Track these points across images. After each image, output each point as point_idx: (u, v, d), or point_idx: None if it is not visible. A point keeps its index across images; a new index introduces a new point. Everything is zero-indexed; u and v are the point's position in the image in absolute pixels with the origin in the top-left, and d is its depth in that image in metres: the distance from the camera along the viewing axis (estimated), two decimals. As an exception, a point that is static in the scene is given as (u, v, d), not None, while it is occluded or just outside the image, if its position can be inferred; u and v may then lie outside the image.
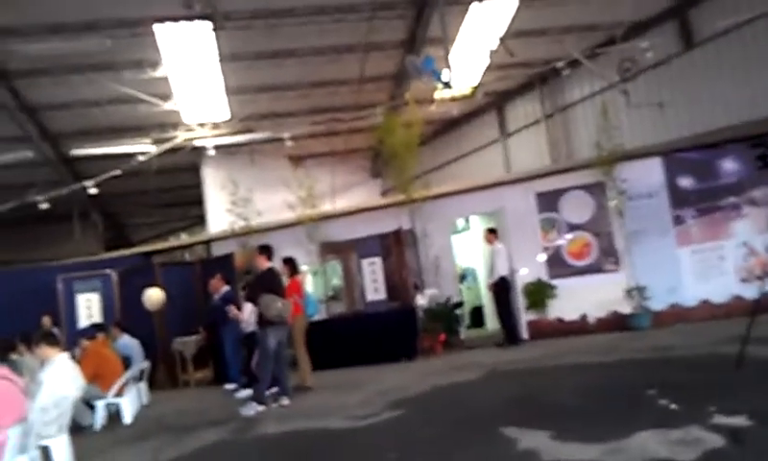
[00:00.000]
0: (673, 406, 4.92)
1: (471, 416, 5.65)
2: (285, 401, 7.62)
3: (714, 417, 4.41)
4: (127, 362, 8.99)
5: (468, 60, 12.42)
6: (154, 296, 10.41)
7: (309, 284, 11.89)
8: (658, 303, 10.16)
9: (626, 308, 10.30)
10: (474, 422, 5.41)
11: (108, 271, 11.67)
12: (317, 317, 10.85)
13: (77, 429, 7.15)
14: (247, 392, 8.41)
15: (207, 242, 13.94)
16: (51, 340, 6.17)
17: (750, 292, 8.90)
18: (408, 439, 5.20)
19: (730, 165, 10.26)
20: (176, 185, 18.86)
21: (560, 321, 10.80)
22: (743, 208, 10.14)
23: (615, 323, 10.36)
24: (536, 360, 8.38)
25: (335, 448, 5.34)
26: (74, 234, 18.90)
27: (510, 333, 10.25)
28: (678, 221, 10.36)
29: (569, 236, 10.89)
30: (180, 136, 13.80)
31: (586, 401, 5.64)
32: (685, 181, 10.39)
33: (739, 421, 4.25)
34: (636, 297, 10.16)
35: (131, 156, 13.57)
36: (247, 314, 9.02)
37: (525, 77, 14.76)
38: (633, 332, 9.80)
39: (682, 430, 4.24)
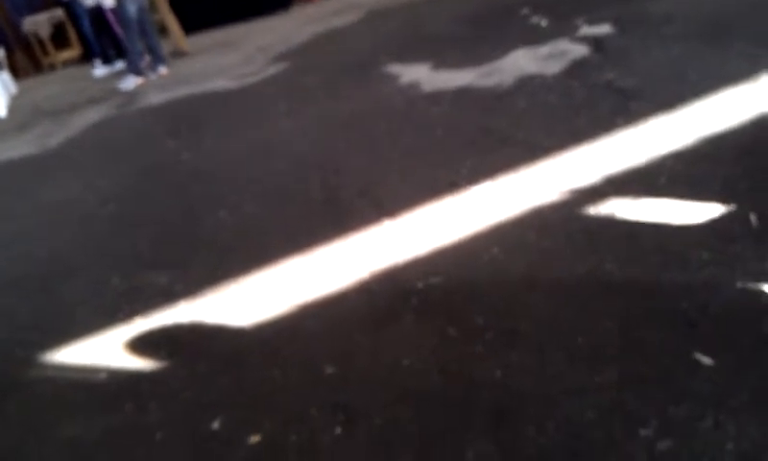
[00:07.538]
0: (544, 23, 5.14)
1: (354, 59, 5.70)
2: (163, 70, 7.31)
3: (581, 29, 4.67)
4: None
5: None
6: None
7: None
8: None
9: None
10: (357, 64, 5.48)
11: None
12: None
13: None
14: (119, 65, 7.97)
15: None
16: None
17: None
18: (294, 91, 5.27)
19: None
20: None
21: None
22: None
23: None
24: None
25: (224, 109, 5.36)
26: None
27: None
28: None
29: None
30: None
31: (463, 29, 5.76)
32: None
33: (603, 29, 4.53)
34: None
35: None
36: None
37: None
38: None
39: (550, 45, 4.50)
